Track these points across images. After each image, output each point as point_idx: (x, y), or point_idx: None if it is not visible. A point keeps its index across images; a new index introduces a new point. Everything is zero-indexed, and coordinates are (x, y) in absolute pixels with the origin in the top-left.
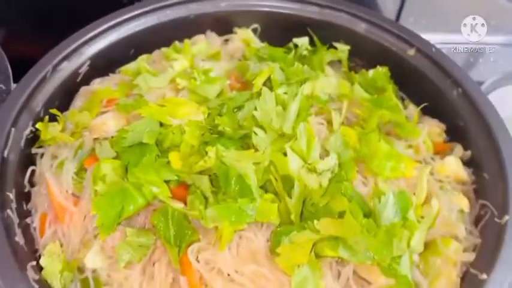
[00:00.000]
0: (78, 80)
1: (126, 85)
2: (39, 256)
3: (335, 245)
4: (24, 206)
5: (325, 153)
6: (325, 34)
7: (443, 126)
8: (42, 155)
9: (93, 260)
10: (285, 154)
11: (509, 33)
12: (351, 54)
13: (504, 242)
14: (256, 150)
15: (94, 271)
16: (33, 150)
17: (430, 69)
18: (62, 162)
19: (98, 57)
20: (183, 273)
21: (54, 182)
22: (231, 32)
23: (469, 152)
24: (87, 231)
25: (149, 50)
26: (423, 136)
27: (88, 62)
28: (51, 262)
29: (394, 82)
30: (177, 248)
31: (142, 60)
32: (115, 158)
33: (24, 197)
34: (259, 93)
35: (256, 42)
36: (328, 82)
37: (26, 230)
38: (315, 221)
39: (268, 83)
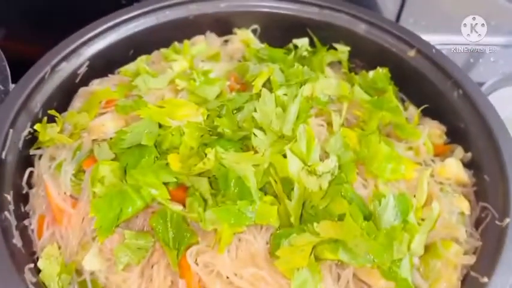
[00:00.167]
0: (76, 80)
1: (125, 86)
2: (37, 258)
3: (335, 248)
4: (22, 207)
5: (325, 155)
6: (325, 35)
7: (443, 128)
8: (40, 156)
9: (91, 263)
10: (285, 156)
11: (509, 33)
12: (351, 55)
13: (505, 245)
14: (256, 152)
15: (92, 273)
16: (32, 152)
17: (431, 70)
18: (60, 164)
19: (97, 58)
20: (182, 276)
21: (52, 183)
22: (230, 32)
23: (469, 154)
24: (86, 233)
25: (148, 51)
26: (423, 138)
27: (87, 63)
28: (49, 264)
29: (394, 83)
30: (175, 251)
31: (142, 61)
32: (114, 159)
33: (22, 198)
34: (258, 95)
35: (256, 43)
36: (328, 83)
37: (23, 232)
38: (315, 224)
39: (268, 84)
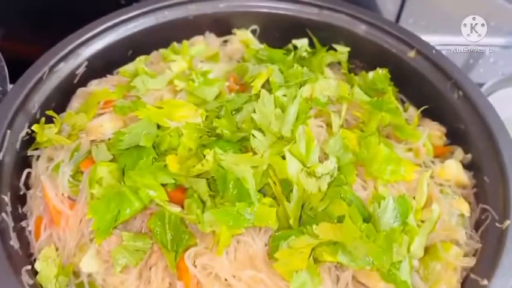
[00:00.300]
0: (75, 81)
1: (124, 87)
2: (34, 260)
3: (334, 250)
4: (20, 209)
5: (324, 157)
6: (324, 35)
7: (443, 129)
8: (38, 157)
9: (88, 264)
10: (284, 157)
11: (509, 34)
12: (351, 56)
13: (505, 247)
14: (255, 153)
15: (89, 275)
16: (29, 153)
17: (430, 71)
18: (58, 165)
19: (96, 58)
20: (180, 278)
21: (50, 185)
22: (229, 33)
23: (469, 155)
24: (83, 235)
25: (147, 51)
26: (423, 139)
27: (85, 63)
28: (46, 266)
29: (394, 84)
30: (173, 253)
31: (140, 62)
32: (112, 160)
33: (20, 200)
34: (258, 96)
35: (255, 44)
36: (327, 84)
37: (21, 233)
38: (314, 226)
39: (267, 85)
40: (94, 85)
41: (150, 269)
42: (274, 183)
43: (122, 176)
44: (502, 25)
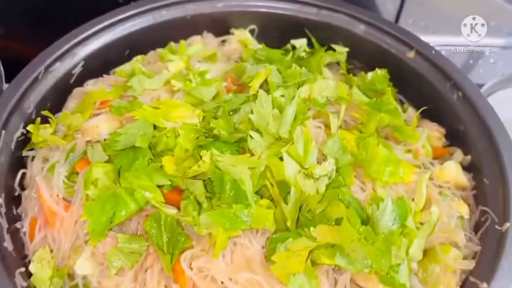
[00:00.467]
0: (71, 81)
1: (120, 87)
2: (29, 262)
3: (332, 253)
4: (14, 210)
5: (322, 158)
6: (323, 35)
7: (442, 131)
8: (33, 157)
9: (83, 267)
10: (282, 159)
11: (509, 35)
12: (350, 56)
13: (505, 250)
14: (252, 154)
15: (84, 278)
16: (24, 153)
17: (430, 71)
18: (53, 166)
19: (92, 58)
20: (176, 280)
21: (45, 185)
22: (228, 33)
23: (469, 157)
24: (78, 236)
25: (144, 51)
26: (422, 140)
27: (82, 63)
28: (40, 268)
29: (393, 85)
30: (169, 255)
31: (137, 61)
32: (107, 161)
33: (14, 201)
34: (255, 96)
35: (254, 44)
36: (326, 85)
37: (15, 235)
38: (312, 228)
39: (265, 85)
40: (90, 85)
41: (145, 271)
42: (272, 184)
43: (118, 177)
44: (502, 25)
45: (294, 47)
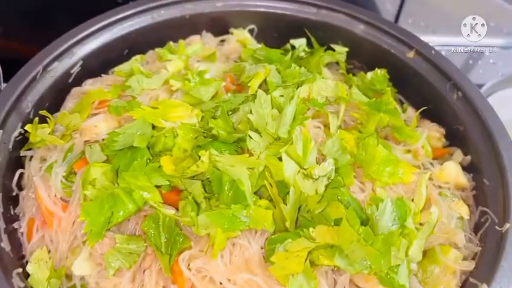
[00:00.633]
0: (69, 80)
1: (119, 86)
2: (26, 262)
3: (331, 254)
4: (12, 210)
5: (321, 158)
6: (322, 35)
7: (442, 131)
8: (31, 157)
9: (80, 267)
10: (281, 159)
11: (509, 35)
12: (349, 56)
13: (505, 251)
14: (251, 154)
15: (82, 278)
16: (22, 153)
17: (429, 71)
18: (51, 166)
19: (91, 58)
20: (174, 281)
21: (43, 185)
22: (227, 32)
23: (468, 157)
24: (76, 237)
25: (143, 51)
26: (422, 141)
27: (80, 63)
28: (38, 269)
29: (393, 85)
30: (168, 256)
31: (136, 61)
32: (106, 161)
33: (12, 201)
34: (254, 96)
35: (253, 43)
36: (325, 84)
37: (12, 235)
38: (311, 229)
39: (264, 85)
40: (89, 84)
41: (143, 272)
42: (271, 185)
43: (116, 177)
44: (502, 25)
45: (293, 47)
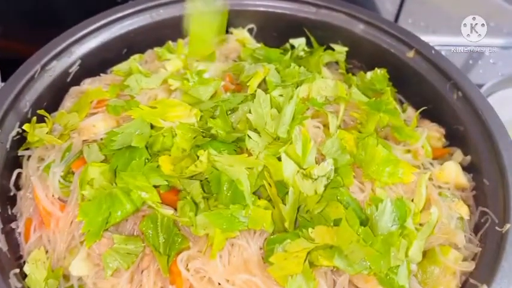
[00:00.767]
0: (68, 80)
1: (117, 86)
2: (24, 263)
3: (330, 254)
4: (9, 210)
5: (321, 158)
6: (322, 35)
7: (442, 131)
8: (28, 157)
9: (78, 268)
10: (280, 159)
11: (509, 35)
12: (349, 56)
13: (505, 251)
14: (250, 154)
15: (80, 279)
16: (20, 153)
17: (429, 71)
18: (49, 165)
19: (89, 57)
20: (172, 282)
21: (40, 185)
22: (226, 32)
23: (468, 157)
24: (74, 237)
25: (142, 50)
26: (422, 141)
27: (78, 62)
28: (35, 269)
29: (393, 85)
30: (166, 256)
31: (135, 60)
32: (104, 161)
33: (10, 201)
34: (253, 96)
35: (252, 43)
36: (325, 84)
37: (10, 235)
38: (310, 229)
39: (264, 84)
40: (87, 84)
41: (142, 272)
42: (270, 185)
43: (114, 177)
44: (502, 25)
45: (292, 46)
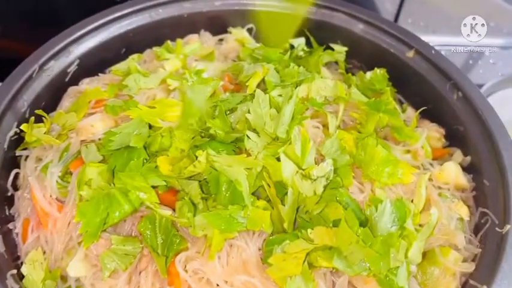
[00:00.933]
0: (66, 79)
1: (116, 85)
2: (21, 264)
3: (329, 255)
4: (7, 210)
5: (320, 158)
6: (321, 35)
7: (442, 131)
8: (26, 157)
9: (76, 269)
10: (279, 159)
11: (508, 35)
12: (348, 56)
13: (505, 252)
14: (249, 154)
15: (77, 280)
16: (17, 153)
17: (429, 71)
18: (47, 166)
19: (88, 57)
20: (171, 283)
21: (38, 186)
22: (225, 31)
23: (468, 158)
24: (71, 238)
25: (141, 50)
26: (422, 141)
27: (77, 61)
28: (32, 270)
29: (392, 85)
30: (164, 257)
31: (133, 60)
32: (102, 161)
33: (7, 201)
34: (252, 96)
35: (251, 43)
36: (324, 84)
37: (7, 236)
38: (309, 230)
39: (263, 84)
40: (85, 84)
41: (140, 273)
42: (269, 185)
43: (112, 177)
44: (502, 26)
45: (292, 46)
